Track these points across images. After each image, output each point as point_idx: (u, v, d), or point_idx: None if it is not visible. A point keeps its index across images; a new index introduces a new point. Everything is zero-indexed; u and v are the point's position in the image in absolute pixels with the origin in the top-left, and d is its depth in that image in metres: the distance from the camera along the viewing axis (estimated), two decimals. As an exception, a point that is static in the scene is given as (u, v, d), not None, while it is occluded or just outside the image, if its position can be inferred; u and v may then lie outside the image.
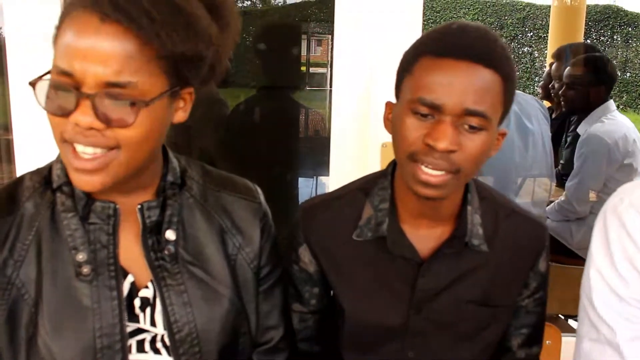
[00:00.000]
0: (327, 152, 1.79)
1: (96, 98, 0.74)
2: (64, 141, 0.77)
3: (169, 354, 0.89)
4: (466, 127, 0.90)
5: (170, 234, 0.90)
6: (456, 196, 1.03)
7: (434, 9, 13.30)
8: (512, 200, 1.15)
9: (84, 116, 0.74)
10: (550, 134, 2.48)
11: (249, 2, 3.45)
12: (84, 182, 0.79)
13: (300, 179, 2.94)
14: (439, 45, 0.91)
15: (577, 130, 2.52)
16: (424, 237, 1.05)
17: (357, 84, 1.72)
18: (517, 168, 2.39)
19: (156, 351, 0.89)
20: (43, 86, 0.77)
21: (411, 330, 1.06)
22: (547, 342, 1.55)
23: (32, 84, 0.77)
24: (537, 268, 1.09)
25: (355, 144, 1.76)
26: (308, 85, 3.33)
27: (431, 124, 0.90)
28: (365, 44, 1.70)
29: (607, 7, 12.79)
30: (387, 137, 1.70)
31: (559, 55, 2.81)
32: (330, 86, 1.78)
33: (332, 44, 1.77)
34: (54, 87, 0.76)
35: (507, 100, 0.94)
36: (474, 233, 1.03)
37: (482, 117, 0.89)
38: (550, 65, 3.02)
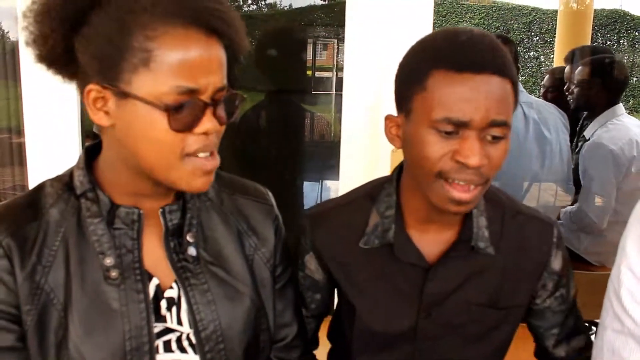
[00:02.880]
0: (332, 156, 1.81)
1: (218, 105, 0.82)
2: (186, 156, 0.81)
3: (195, 352, 0.90)
4: (489, 137, 0.90)
5: (191, 236, 0.92)
6: None
7: (440, 13, 13.33)
8: (518, 201, 1.15)
9: (210, 122, 0.81)
10: (569, 144, 2.46)
11: (254, 7, 3.48)
12: (205, 181, 0.84)
13: (306, 183, 2.96)
14: (454, 59, 0.90)
15: (584, 133, 2.52)
16: (431, 241, 1.05)
17: (368, 88, 1.75)
18: (534, 177, 2.38)
19: (182, 350, 0.91)
20: (158, 110, 0.79)
21: (420, 334, 1.06)
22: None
23: (167, 110, 0.79)
24: (550, 268, 1.08)
25: (365, 148, 1.80)
26: (314, 89, 3.35)
27: (457, 141, 0.89)
28: (376, 49, 1.72)
29: (614, 12, 12.79)
30: (397, 142, 1.73)
31: (569, 58, 2.80)
32: (336, 90, 1.80)
33: (338, 49, 1.79)
34: (179, 106, 0.78)
35: (515, 102, 0.95)
36: (479, 236, 1.03)
37: (504, 126, 0.90)
38: (550, 71, 3.03)
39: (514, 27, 13.02)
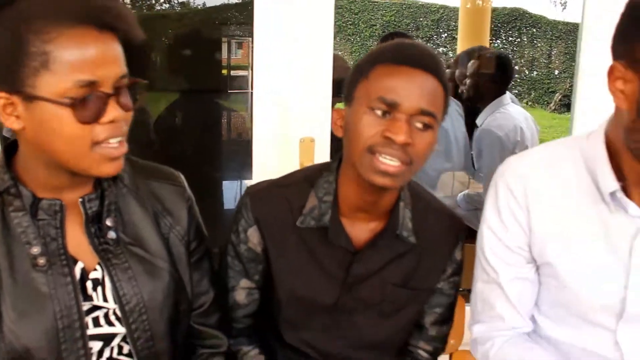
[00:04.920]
0: (250, 154, 1.88)
1: (121, 94, 0.89)
2: (95, 144, 0.89)
3: (122, 325, 1.00)
4: (419, 125, 1.04)
5: (110, 221, 1.01)
6: (392, 194, 1.16)
7: (353, 10, 13.58)
8: (436, 197, 1.31)
9: (115, 111, 0.89)
10: (464, 131, 2.70)
11: (167, 5, 3.41)
12: (115, 166, 0.93)
13: (225, 182, 2.98)
14: (395, 55, 1.06)
15: (476, 121, 2.77)
16: (360, 230, 1.18)
17: (276, 85, 1.81)
18: (435, 165, 2.58)
19: (110, 324, 1.01)
20: (62, 107, 0.85)
21: (340, 308, 1.19)
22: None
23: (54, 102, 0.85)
24: (454, 257, 1.25)
25: (276, 142, 1.85)
26: (230, 88, 3.37)
27: (389, 120, 1.03)
28: (283, 47, 1.79)
29: (514, 10, 13.51)
30: (305, 133, 1.83)
31: (457, 61, 3.07)
32: (252, 89, 1.88)
33: (253, 47, 1.86)
34: (82, 99, 0.85)
35: (445, 109, 1.09)
36: (404, 226, 1.17)
37: (432, 117, 1.04)
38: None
39: (424, 24, 13.46)
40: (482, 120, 2.70)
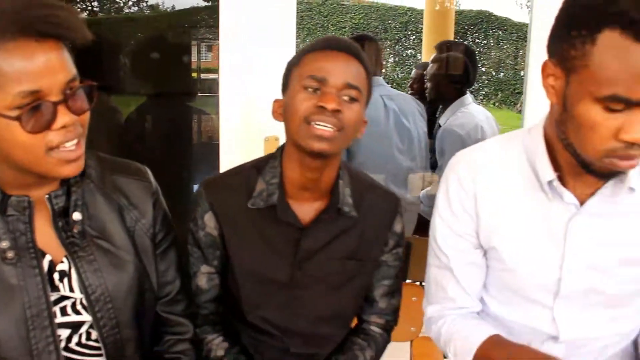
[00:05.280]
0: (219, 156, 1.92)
1: (71, 98, 0.93)
2: (50, 150, 0.92)
3: (88, 313, 1.06)
4: (346, 98, 1.17)
5: (76, 216, 1.06)
6: (331, 173, 1.27)
7: (322, 13, 13.72)
8: (373, 178, 1.42)
9: (66, 116, 0.92)
10: (426, 131, 2.80)
11: (136, 9, 3.36)
12: (73, 168, 0.97)
13: (195, 185, 2.98)
14: (322, 43, 1.22)
15: (439, 121, 2.88)
16: (306, 208, 1.29)
17: (241, 86, 1.86)
18: (397, 163, 2.68)
19: (77, 312, 1.06)
20: (10, 120, 0.89)
21: (294, 284, 1.28)
22: (414, 298, 1.83)
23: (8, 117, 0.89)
24: (393, 229, 1.35)
25: (242, 142, 1.91)
26: (200, 91, 3.32)
27: (320, 94, 1.16)
28: (247, 48, 1.84)
29: (480, 12, 13.81)
30: (269, 132, 1.90)
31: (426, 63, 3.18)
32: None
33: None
34: (30, 110, 0.89)
35: (369, 89, 1.23)
36: (345, 202, 1.28)
37: (357, 90, 1.17)
38: (416, 66, 3.39)
39: (392, 26, 13.67)
40: (445, 120, 2.81)
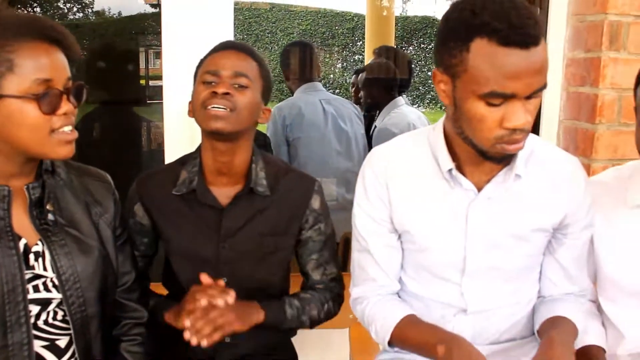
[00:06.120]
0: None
1: (70, 93, 1.15)
2: (52, 132, 1.11)
3: (58, 291, 1.21)
4: (236, 85, 1.36)
5: (50, 206, 1.23)
6: (242, 157, 1.45)
7: (270, 19, 13.81)
8: (290, 164, 1.63)
9: (67, 104, 1.14)
10: (363, 133, 2.98)
11: (81, 15, 3.38)
12: (69, 150, 1.17)
13: None
14: (217, 46, 1.45)
15: (375, 122, 3.08)
16: (224, 191, 1.47)
17: (184, 93, 1.90)
18: (337, 165, 2.85)
19: (48, 290, 1.21)
20: (28, 101, 1.10)
21: (222, 260, 1.45)
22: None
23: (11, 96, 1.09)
24: (311, 206, 1.52)
25: (187, 149, 1.95)
26: (149, 98, 3.28)
27: (214, 86, 1.35)
28: (188, 55, 1.82)
29: (425, 18, 14.17)
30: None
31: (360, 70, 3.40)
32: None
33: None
34: (43, 95, 1.11)
35: (265, 80, 1.44)
36: (258, 183, 1.46)
37: (246, 78, 1.38)
38: (355, 71, 3.60)
39: (339, 32, 13.86)
40: (380, 121, 3.01)
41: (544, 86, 1.13)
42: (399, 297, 1.45)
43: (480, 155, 1.23)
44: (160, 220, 1.50)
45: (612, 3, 1.97)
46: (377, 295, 1.41)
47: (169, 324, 1.41)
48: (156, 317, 1.46)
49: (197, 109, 1.40)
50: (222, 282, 1.36)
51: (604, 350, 1.39)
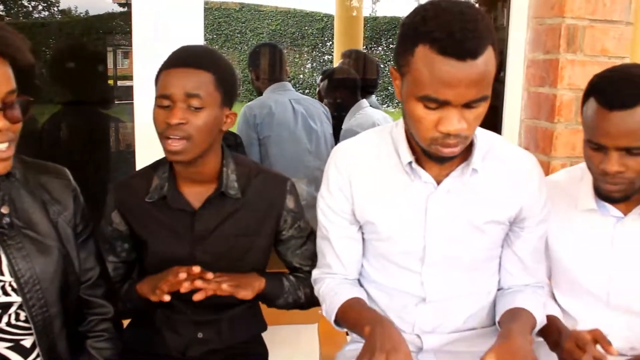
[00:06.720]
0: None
1: (8, 108, 1.10)
2: None
3: (17, 295, 1.20)
4: (192, 108, 1.35)
5: (4, 209, 1.20)
6: (211, 163, 1.46)
7: (240, 19, 13.79)
8: (260, 165, 1.62)
9: (2, 122, 1.09)
10: (331, 132, 3.03)
11: (47, 13, 3.21)
12: (5, 166, 1.14)
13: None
14: (167, 62, 1.41)
15: (343, 125, 3.14)
16: (196, 195, 1.48)
17: (154, 94, 1.95)
18: (307, 163, 2.89)
19: (7, 294, 1.20)
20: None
21: (197, 263, 1.44)
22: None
23: None
24: (287, 206, 1.54)
25: (157, 150, 1.96)
26: (117, 98, 3.22)
27: (168, 110, 1.34)
28: (160, 56, 1.91)
29: (393, 19, 14.34)
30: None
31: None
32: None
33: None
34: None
35: (224, 87, 1.40)
36: (230, 186, 1.47)
37: (198, 98, 1.35)
38: (322, 72, 3.68)
39: (309, 32, 13.93)
40: (347, 122, 3.08)
41: (483, 98, 1.19)
42: (361, 285, 1.51)
43: (423, 153, 1.30)
44: (136, 226, 1.50)
45: (569, 7, 2.06)
46: (332, 279, 1.48)
47: (140, 295, 1.45)
48: (129, 295, 1.50)
49: (157, 134, 1.39)
50: (197, 268, 1.37)
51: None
